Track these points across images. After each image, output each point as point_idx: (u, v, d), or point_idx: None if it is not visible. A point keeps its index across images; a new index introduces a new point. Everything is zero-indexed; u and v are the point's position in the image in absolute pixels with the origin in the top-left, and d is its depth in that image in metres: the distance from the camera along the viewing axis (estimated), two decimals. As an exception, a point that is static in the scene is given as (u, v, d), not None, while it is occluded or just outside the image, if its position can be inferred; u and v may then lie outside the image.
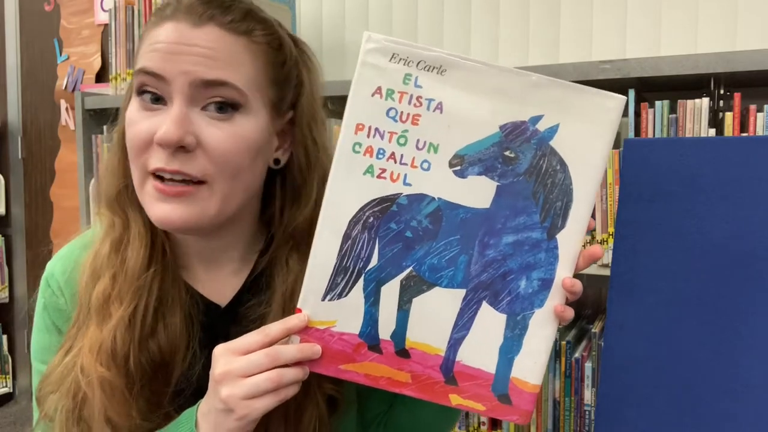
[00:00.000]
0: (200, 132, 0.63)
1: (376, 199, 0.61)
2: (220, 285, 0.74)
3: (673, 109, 1.26)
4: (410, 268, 0.61)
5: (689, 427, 0.68)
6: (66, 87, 2.56)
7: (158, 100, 0.64)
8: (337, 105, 1.66)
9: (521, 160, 0.60)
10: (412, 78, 0.60)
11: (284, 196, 0.73)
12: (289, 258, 0.71)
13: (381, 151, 0.61)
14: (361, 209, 0.61)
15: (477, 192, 0.61)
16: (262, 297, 0.72)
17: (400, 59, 0.60)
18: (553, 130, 0.60)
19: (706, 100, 1.23)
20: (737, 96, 1.23)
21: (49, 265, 0.76)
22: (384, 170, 0.61)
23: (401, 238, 0.61)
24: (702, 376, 0.67)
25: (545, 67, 1.37)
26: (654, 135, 1.27)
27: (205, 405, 0.63)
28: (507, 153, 0.60)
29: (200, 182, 0.64)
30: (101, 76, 2.48)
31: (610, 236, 1.31)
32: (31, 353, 0.76)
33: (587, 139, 0.60)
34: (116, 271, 0.68)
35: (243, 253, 0.75)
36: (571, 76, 1.33)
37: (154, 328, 0.68)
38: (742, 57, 1.20)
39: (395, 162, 0.61)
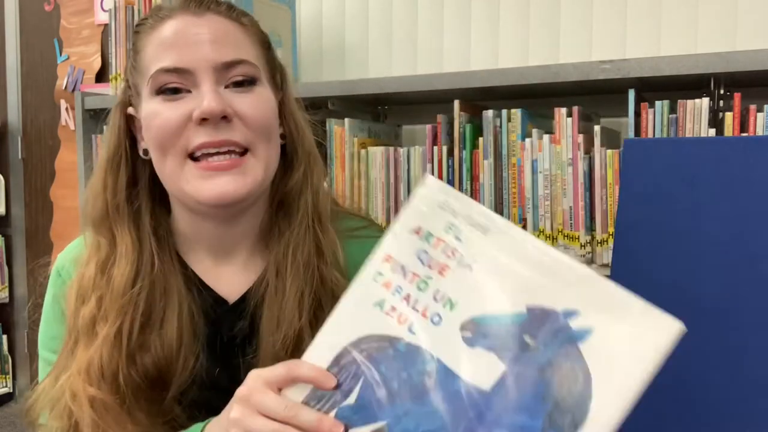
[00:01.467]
0: (232, 103, 0.66)
1: (376, 335, 0.56)
2: (230, 279, 0.76)
3: (673, 109, 1.26)
4: (384, 423, 0.54)
5: (689, 427, 0.68)
6: (66, 87, 2.56)
7: (178, 91, 0.67)
8: (337, 105, 1.66)
9: (540, 351, 0.52)
10: (453, 228, 0.56)
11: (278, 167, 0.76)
12: (281, 224, 0.74)
13: (398, 289, 0.57)
14: (359, 340, 0.56)
15: (481, 368, 0.53)
16: (263, 281, 0.73)
17: (450, 208, 0.57)
18: (585, 332, 0.52)
19: (706, 100, 1.23)
20: (737, 96, 1.23)
21: (60, 257, 0.78)
22: (394, 309, 0.56)
23: (386, 386, 0.55)
24: (702, 376, 0.67)
25: (545, 67, 1.37)
26: (654, 135, 1.27)
27: (215, 422, 0.64)
28: (527, 338, 0.53)
29: (244, 152, 0.67)
30: (101, 76, 2.48)
31: (610, 236, 1.31)
32: (38, 344, 0.77)
33: (625, 358, 0.51)
34: (102, 292, 0.69)
35: (254, 242, 0.76)
36: (571, 76, 1.33)
37: (145, 341, 0.69)
38: (742, 57, 1.20)
39: (408, 305, 0.56)
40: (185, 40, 0.66)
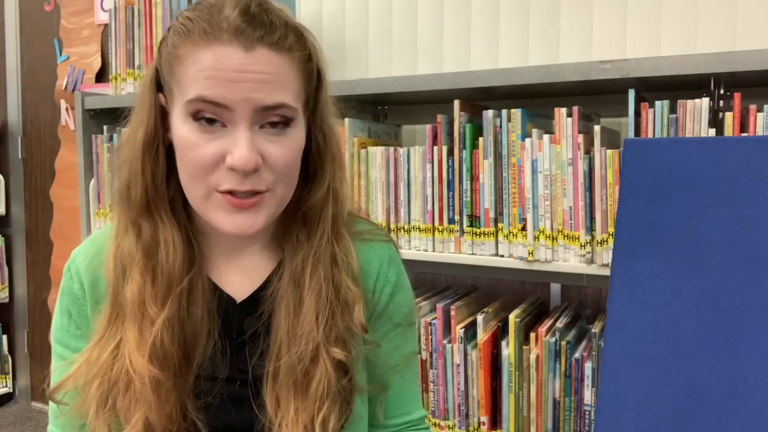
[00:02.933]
0: (263, 150, 0.67)
1: None
2: (240, 279, 0.78)
3: (673, 109, 1.26)
4: None
5: (689, 427, 0.68)
6: (66, 87, 2.56)
7: (213, 121, 0.67)
8: (337, 105, 1.66)
9: None
10: None
11: (300, 178, 0.76)
12: (299, 233, 0.76)
13: None
14: None
15: None
16: (275, 285, 0.76)
17: None
18: None
19: (706, 100, 1.23)
20: (737, 96, 1.23)
21: (74, 252, 0.80)
22: None
23: None
24: (702, 376, 0.67)
25: (545, 67, 1.37)
26: (654, 135, 1.27)
27: None
28: None
29: (265, 190, 0.69)
30: (101, 76, 2.48)
31: (610, 236, 1.31)
32: (51, 334, 0.80)
33: None
34: (151, 273, 0.72)
35: (266, 243, 0.79)
36: (571, 75, 1.33)
37: (184, 326, 0.72)
38: (742, 57, 1.20)
39: None
40: (232, 76, 0.65)
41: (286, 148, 0.69)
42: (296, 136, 0.71)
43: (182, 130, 0.68)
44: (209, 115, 0.66)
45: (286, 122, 0.69)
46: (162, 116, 0.72)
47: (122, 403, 0.70)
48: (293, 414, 0.71)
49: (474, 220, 1.45)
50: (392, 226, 1.56)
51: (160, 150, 0.72)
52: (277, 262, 0.79)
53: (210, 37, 0.65)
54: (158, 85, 0.72)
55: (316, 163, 0.76)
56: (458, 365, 1.49)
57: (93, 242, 0.80)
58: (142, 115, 0.72)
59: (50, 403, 0.78)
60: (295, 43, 0.69)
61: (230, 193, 0.68)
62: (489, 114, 1.41)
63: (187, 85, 0.66)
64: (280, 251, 0.79)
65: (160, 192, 0.73)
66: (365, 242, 0.81)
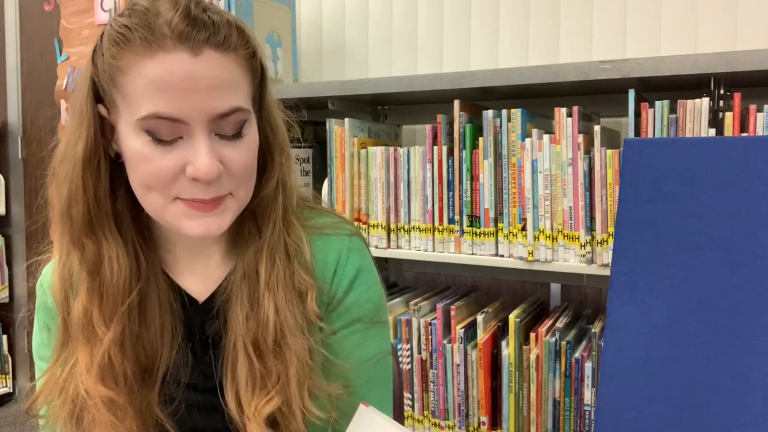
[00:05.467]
0: (223, 157, 0.66)
1: None
2: (203, 279, 0.78)
3: (673, 109, 1.26)
4: None
5: (689, 427, 0.68)
6: (66, 87, 2.56)
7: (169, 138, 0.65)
8: (337, 105, 1.66)
9: None
10: None
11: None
12: (251, 227, 0.75)
13: None
14: None
15: None
16: (230, 281, 0.75)
17: None
18: None
19: (706, 100, 1.23)
20: (737, 96, 1.23)
21: (45, 269, 0.80)
22: None
23: None
24: (702, 376, 0.67)
25: (545, 67, 1.37)
26: (654, 135, 1.27)
27: None
28: None
29: (227, 194, 0.68)
30: (101, 76, 2.48)
31: (610, 236, 1.31)
32: (32, 349, 0.81)
33: None
34: (97, 292, 0.70)
35: (226, 245, 0.78)
36: (571, 76, 1.33)
37: (140, 338, 0.72)
38: (742, 57, 1.20)
39: None
40: (182, 87, 0.62)
41: (244, 152, 0.68)
42: (252, 137, 0.70)
43: (135, 143, 0.65)
44: (165, 137, 0.64)
45: (241, 126, 0.67)
46: (101, 128, 0.69)
47: (87, 422, 0.70)
48: (253, 409, 0.70)
49: (474, 220, 1.45)
50: (392, 226, 1.56)
51: (102, 164, 0.69)
52: (236, 260, 0.78)
53: (153, 45, 0.62)
54: (96, 95, 0.68)
55: (266, 157, 0.75)
56: (458, 365, 1.49)
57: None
58: (80, 128, 0.68)
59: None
60: (238, 40, 0.67)
61: (192, 200, 0.66)
62: (489, 114, 1.41)
63: (136, 100, 0.63)
64: (238, 253, 0.77)
65: (104, 208, 0.70)
66: (325, 236, 0.79)
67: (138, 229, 0.74)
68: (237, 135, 0.67)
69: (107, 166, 0.70)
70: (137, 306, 0.72)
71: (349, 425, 0.67)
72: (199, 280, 0.78)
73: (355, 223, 1.58)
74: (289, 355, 0.71)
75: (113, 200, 0.71)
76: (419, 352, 1.54)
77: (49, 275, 0.78)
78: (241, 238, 0.76)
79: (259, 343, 0.71)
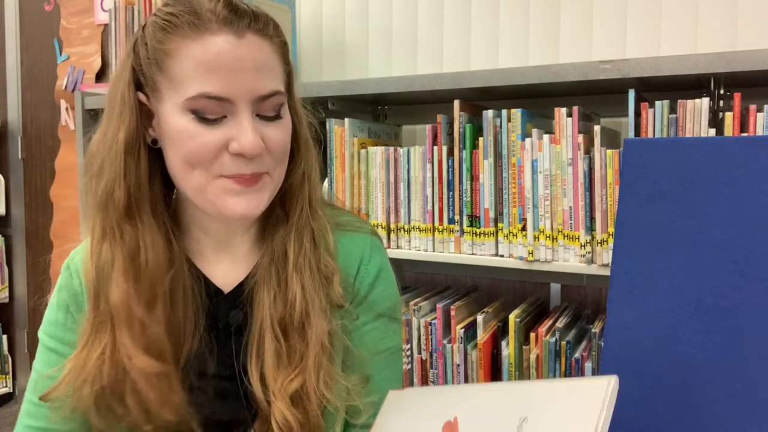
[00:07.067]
0: (264, 135, 0.70)
1: None
2: (229, 270, 0.80)
3: (673, 109, 1.26)
4: None
5: (689, 427, 0.68)
6: (66, 87, 2.56)
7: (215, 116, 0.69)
8: (337, 105, 1.66)
9: None
10: None
11: None
12: (279, 212, 0.79)
13: None
14: None
15: None
16: (259, 265, 0.78)
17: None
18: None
19: (706, 100, 1.23)
20: (737, 96, 1.23)
21: (73, 252, 0.82)
22: None
23: None
24: (702, 376, 0.67)
25: (545, 67, 1.37)
26: (654, 135, 1.27)
27: None
28: None
29: (265, 173, 0.72)
30: (101, 76, 2.48)
31: (610, 236, 1.31)
32: (39, 330, 0.81)
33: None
34: (135, 276, 0.72)
35: (255, 234, 0.81)
36: (571, 76, 1.33)
37: (170, 322, 0.74)
38: (742, 57, 1.20)
39: None
40: (228, 66, 0.67)
41: (282, 132, 0.73)
42: (288, 120, 0.75)
43: (180, 122, 0.68)
44: (210, 115, 0.68)
45: (278, 111, 0.72)
46: (141, 116, 0.73)
47: (121, 404, 0.72)
48: (279, 386, 0.72)
49: (474, 220, 1.45)
50: (392, 226, 1.56)
51: (142, 150, 0.73)
52: (263, 249, 0.80)
53: (201, 28, 0.67)
54: (136, 84, 0.72)
55: (293, 145, 0.78)
56: (458, 365, 1.49)
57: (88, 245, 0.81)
58: (122, 116, 0.72)
59: (25, 403, 0.79)
60: (274, 31, 0.73)
61: (234, 175, 0.69)
62: (489, 114, 1.41)
63: (184, 81, 0.67)
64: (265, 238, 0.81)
65: (144, 193, 0.73)
66: (347, 233, 0.83)
67: (170, 216, 0.78)
68: (276, 116, 0.72)
69: (146, 152, 0.73)
70: (168, 291, 0.74)
71: (381, 410, 0.68)
72: (225, 270, 0.80)
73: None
74: (311, 335, 0.74)
75: (150, 187, 0.75)
76: (419, 352, 1.54)
77: (79, 258, 0.79)
78: (270, 225, 0.79)
79: (285, 322, 0.74)
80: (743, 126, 1.24)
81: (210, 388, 0.76)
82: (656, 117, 1.26)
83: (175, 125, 0.69)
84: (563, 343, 1.38)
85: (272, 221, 0.79)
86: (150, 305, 0.72)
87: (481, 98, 1.58)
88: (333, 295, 0.77)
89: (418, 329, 1.53)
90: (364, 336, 0.80)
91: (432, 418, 0.67)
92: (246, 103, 0.68)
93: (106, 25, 2.41)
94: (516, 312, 1.47)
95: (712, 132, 1.23)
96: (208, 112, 0.68)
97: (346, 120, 1.58)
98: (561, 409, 0.57)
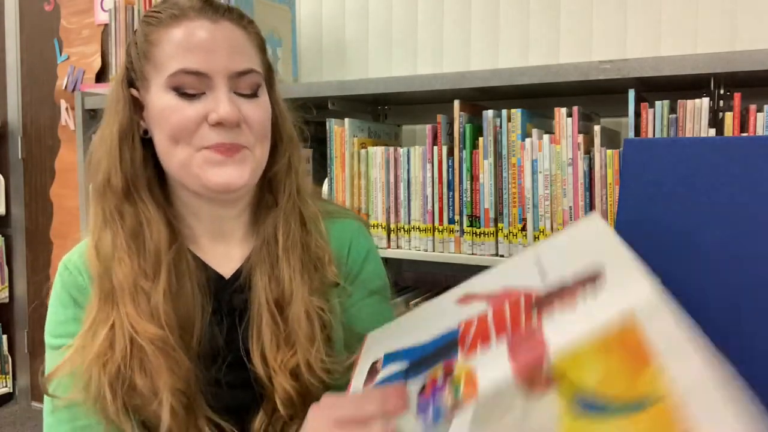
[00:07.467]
0: (242, 110, 0.75)
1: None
2: (225, 256, 0.82)
3: (673, 109, 1.26)
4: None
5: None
6: (66, 87, 2.56)
7: (194, 92, 0.74)
8: (337, 105, 1.66)
9: None
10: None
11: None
12: (267, 199, 0.83)
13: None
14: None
15: None
16: (253, 249, 0.81)
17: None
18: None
19: (706, 100, 1.23)
20: (737, 96, 1.23)
21: (65, 257, 0.84)
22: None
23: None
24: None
25: (545, 67, 1.37)
26: (654, 135, 1.27)
27: None
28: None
29: (246, 147, 0.76)
30: (101, 76, 2.48)
31: (610, 236, 1.31)
32: (45, 335, 0.81)
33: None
34: (139, 252, 0.75)
35: (248, 222, 0.84)
36: (571, 76, 1.33)
37: (179, 297, 0.76)
38: (742, 57, 1.20)
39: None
40: (205, 45, 0.73)
41: (260, 109, 0.77)
42: (266, 101, 0.79)
43: (162, 100, 0.73)
44: (190, 90, 0.73)
45: (256, 88, 0.77)
46: (134, 109, 0.78)
47: (137, 378, 0.72)
48: (279, 362, 0.75)
49: (474, 220, 1.45)
50: (392, 226, 1.56)
51: (136, 138, 0.78)
52: (256, 236, 0.83)
53: (180, 17, 0.74)
54: (129, 82, 0.79)
55: (275, 135, 0.82)
56: (458, 365, 1.48)
57: (84, 245, 0.82)
58: (115, 111, 0.78)
59: (46, 398, 0.78)
60: (249, 24, 0.79)
61: (210, 149, 0.73)
62: (489, 114, 1.41)
63: (166, 62, 0.73)
64: (257, 224, 0.84)
65: (140, 176, 0.77)
66: (336, 220, 0.87)
67: (167, 202, 0.81)
68: (253, 95, 0.76)
69: (140, 141, 0.78)
70: (173, 263, 0.76)
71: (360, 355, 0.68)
72: (221, 257, 0.82)
73: (355, 223, 1.58)
74: (302, 312, 0.76)
75: (146, 172, 0.79)
76: (419, 352, 1.54)
77: (78, 255, 0.81)
78: (261, 211, 0.83)
79: (281, 301, 0.77)
80: (743, 126, 1.24)
81: (221, 375, 0.77)
82: (656, 117, 1.26)
83: (159, 104, 0.74)
84: (563, 343, 1.37)
85: (263, 207, 0.83)
86: (155, 277, 0.74)
87: (481, 98, 1.58)
88: (327, 274, 0.80)
89: (418, 329, 1.53)
90: (360, 312, 0.83)
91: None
92: (222, 78, 0.73)
93: (106, 25, 2.41)
94: (516, 312, 1.47)
95: (712, 132, 1.23)
96: (188, 86, 0.72)
97: (346, 120, 1.58)
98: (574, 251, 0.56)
